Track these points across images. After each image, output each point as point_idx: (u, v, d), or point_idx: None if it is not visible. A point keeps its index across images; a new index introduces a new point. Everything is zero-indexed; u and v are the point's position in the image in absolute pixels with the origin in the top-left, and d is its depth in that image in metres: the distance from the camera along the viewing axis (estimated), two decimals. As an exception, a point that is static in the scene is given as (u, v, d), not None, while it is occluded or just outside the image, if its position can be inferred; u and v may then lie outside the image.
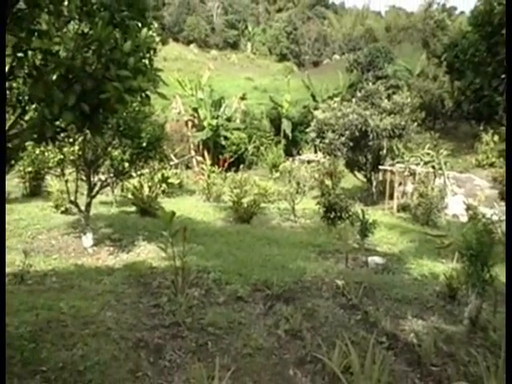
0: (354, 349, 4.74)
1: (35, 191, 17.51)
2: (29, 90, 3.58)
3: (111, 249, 9.65)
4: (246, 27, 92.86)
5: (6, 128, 3.98)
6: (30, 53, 3.51)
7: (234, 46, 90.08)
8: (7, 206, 13.62)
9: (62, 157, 8.95)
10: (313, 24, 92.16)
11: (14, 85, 3.88)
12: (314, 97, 35.53)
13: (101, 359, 4.50)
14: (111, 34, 3.48)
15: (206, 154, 28.15)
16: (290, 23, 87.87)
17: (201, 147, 29.02)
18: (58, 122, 3.73)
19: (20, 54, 3.42)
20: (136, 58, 3.59)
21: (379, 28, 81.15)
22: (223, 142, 29.66)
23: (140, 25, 3.82)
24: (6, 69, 3.55)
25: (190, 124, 29.08)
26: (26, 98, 3.78)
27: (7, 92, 3.89)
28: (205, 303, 6.54)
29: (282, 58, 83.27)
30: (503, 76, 12.37)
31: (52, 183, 13.38)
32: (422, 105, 30.67)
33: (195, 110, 30.29)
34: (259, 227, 13.77)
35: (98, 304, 5.97)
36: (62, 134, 4.26)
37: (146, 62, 3.84)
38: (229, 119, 31.02)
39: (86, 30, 3.63)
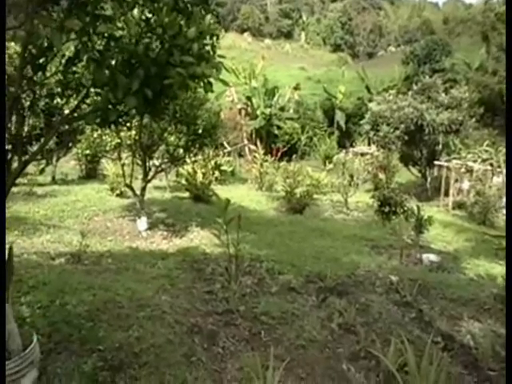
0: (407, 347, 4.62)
1: (91, 174, 18.03)
2: (92, 74, 3.60)
3: (165, 233, 9.78)
4: (301, 17, 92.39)
5: (69, 111, 4.06)
6: (94, 38, 3.52)
7: (288, 36, 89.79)
8: (65, 188, 14.07)
9: (119, 141, 9.10)
10: (368, 15, 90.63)
11: (76, 69, 3.92)
12: (368, 89, 34.99)
13: (156, 342, 4.55)
14: (175, 20, 3.47)
15: (258, 142, 28.17)
16: (344, 13, 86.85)
17: (254, 136, 29.05)
18: (120, 107, 3.75)
19: (84, 39, 3.43)
20: (200, 44, 3.57)
21: (436, 20, 78.96)
22: (276, 132, 29.60)
23: (203, 11, 3.78)
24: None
25: (243, 112, 29.14)
26: (90, 82, 3.81)
27: (70, 76, 3.95)
28: (258, 292, 6.52)
29: (336, 48, 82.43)
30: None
31: (108, 166, 13.68)
32: (481, 100, 29.63)
33: (249, 98, 30.33)
34: (312, 218, 13.68)
35: (153, 287, 6.05)
36: (124, 118, 4.29)
37: (209, 48, 3.80)
38: (282, 109, 30.90)
39: (149, 16, 3.62)
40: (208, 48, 3.71)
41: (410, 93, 22.57)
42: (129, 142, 9.12)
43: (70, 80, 3.94)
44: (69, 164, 19.92)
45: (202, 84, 3.87)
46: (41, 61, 3.60)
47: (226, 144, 24.21)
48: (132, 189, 9.84)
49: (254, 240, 9.58)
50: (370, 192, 13.57)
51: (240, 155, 27.56)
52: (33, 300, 4.99)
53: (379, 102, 22.67)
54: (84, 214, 10.68)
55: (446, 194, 19.56)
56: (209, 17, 3.67)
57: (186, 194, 13.84)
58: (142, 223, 9.76)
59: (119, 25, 3.51)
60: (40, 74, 3.76)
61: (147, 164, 9.81)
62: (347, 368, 4.72)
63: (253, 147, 26.04)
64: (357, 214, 15.21)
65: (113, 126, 8.57)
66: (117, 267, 7.02)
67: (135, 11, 3.57)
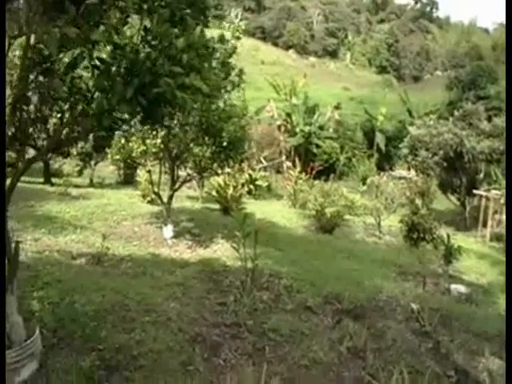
0: (417, 378, 4.50)
1: (128, 179, 18.35)
2: (94, 80, 3.71)
3: (189, 243, 9.84)
4: (346, 36, 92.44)
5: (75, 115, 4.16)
6: (99, 45, 3.64)
7: (333, 55, 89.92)
8: (100, 191, 14.36)
9: (144, 148, 9.24)
10: (415, 37, 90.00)
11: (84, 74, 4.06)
12: (410, 112, 34.62)
13: (155, 348, 4.58)
14: (168, 30, 3.54)
15: (297, 160, 28.19)
16: (391, 35, 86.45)
17: (292, 153, 29.08)
18: (115, 113, 3.84)
19: (83, 47, 3.55)
20: (190, 55, 3.62)
21: (485, 45, 77.53)
22: (315, 150, 29.56)
23: (200, 23, 3.86)
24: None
25: (282, 128, 29.25)
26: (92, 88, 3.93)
27: (76, 81, 4.07)
28: (272, 308, 6.46)
29: (382, 70, 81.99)
30: None
31: (141, 173, 13.91)
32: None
33: (288, 115, 30.45)
34: (341, 239, 13.55)
35: (165, 294, 6.10)
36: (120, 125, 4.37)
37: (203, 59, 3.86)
38: (321, 127, 30.89)
39: (148, 26, 3.73)
40: (198, 59, 3.77)
41: (450, 119, 22.22)
42: (154, 149, 9.24)
43: (72, 85, 4.05)
44: (108, 168, 20.37)
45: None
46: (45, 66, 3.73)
47: (262, 159, 24.31)
48: (159, 196, 9.97)
49: (277, 256, 9.51)
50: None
51: (278, 171, 27.59)
52: (44, 296, 5.11)
53: (419, 127, 22.44)
54: (113, 218, 10.86)
55: (485, 224, 19.07)
56: (199, 28, 3.72)
57: (217, 206, 13.91)
58: (168, 231, 9.84)
59: (118, 34, 3.61)
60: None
61: (175, 173, 9.92)
62: (350, 393, 4.61)
63: (289, 164, 26.06)
64: (389, 239, 14.97)
65: (139, 134, 8.80)
66: (134, 272, 7.11)
67: (136, 21, 3.67)
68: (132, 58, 3.62)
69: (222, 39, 4.70)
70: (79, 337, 4.49)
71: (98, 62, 3.69)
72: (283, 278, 7.78)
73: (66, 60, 3.96)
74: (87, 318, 4.85)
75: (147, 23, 3.78)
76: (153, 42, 3.70)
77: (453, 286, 9.58)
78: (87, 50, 3.67)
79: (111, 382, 3.95)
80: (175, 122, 9.04)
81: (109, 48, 3.76)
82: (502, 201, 19.00)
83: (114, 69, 3.66)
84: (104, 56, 3.72)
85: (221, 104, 9.46)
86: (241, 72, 10.22)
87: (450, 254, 10.49)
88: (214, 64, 9.29)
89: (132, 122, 4.48)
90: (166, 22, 3.65)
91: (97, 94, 3.91)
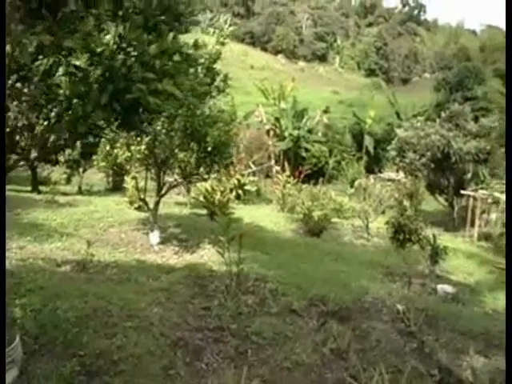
0: (400, 378, 4.54)
1: (117, 186, 18.36)
2: (70, 87, 3.74)
3: (176, 248, 9.86)
4: (335, 40, 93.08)
5: (52, 122, 4.20)
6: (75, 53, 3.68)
7: (322, 59, 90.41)
8: (87, 198, 14.36)
9: (129, 154, 9.28)
10: (403, 40, 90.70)
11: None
12: (398, 114, 34.86)
13: (136, 352, 4.60)
14: (141, 37, 3.59)
15: (286, 164, 28.27)
16: (380, 38, 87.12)
17: (281, 157, 29.16)
18: (91, 119, 3.87)
19: (57, 54, 3.60)
20: (163, 61, 3.67)
21: (473, 47, 78.14)
22: (304, 154, 29.67)
23: (174, 29, 3.92)
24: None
25: (271, 133, 29.33)
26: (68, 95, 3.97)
27: (54, 88, 4.11)
28: (256, 311, 6.48)
29: (371, 73, 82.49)
30: None
31: (128, 180, 13.93)
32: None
33: (277, 119, 30.58)
34: (329, 242, 13.58)
35: (148, 299, 6.11)
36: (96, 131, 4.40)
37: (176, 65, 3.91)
38: (310, 131, 31.04)
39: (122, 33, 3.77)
40: (172, 65, 3.82)
41: (438, 120, 22.40)
42: (139, 156, 9.27)
43: (50, 92, 4.08)
44: (97, 176, 20.35)
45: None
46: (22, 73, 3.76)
47: (251, 163, 24.37)
48: (146, 203, 10.00)
49: (264, 260, 9.54)
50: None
51: (267, 176, 27.64)
52: (27, 303, 5.13)
53: (406, 129, 22.61)
54: (100, 225, 10.87)
55: (473, 224, 19.23)
56: (171, 34, 3.77)
57: (205, 212, 13.93)
58: (155, 237, 9.86)
59: (96, 41, 3.65)
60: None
61: (161, 179, 9.95)
62: (331, 393, 4.65)
63: (277, 168, 26.14)
64: (377, 240, 15.02)
65: (123, 140, 8.82)
66: (119, 278, 7.13)
67: (112, 28, 3.71)
68: (108, 65, 3.67)
69: (196, 45, 4.75)
70: (61, 343, 4.50)
71: (73, 70, 3.73)
72: (269, 281, 7.79)
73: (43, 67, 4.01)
74: (69, 324, 4.86)
75: (122, 30, 3.82)
76: (127, 49, 3.75)
77: (439, 286, 9.63)
78: (63, 57, 3.71)
79: (91, 388, 3.96)
80: (159, 127, 9.09)
81: (86, 55, 3.80)
82: (490, 200, 19.19)
83: (91, 75, 3.71)
84: (81, 63, 3.75)
85: (206, 109, 9.52)
86: (226, 77, 10.25)
87: (436, 254, 10.58)
88: (198, 70, 9.35)
89: (108, 129, 4.50)
90: (139, 29, 3.70)
91: (74, 100, 3.95)
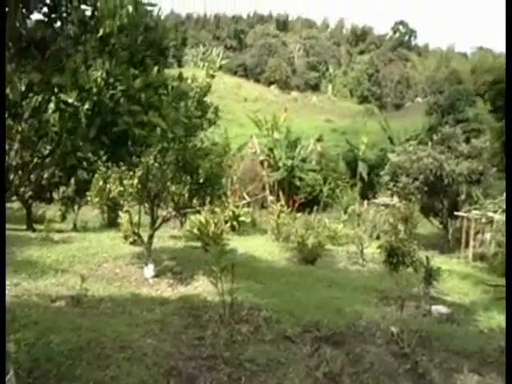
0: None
1: (112, 222, 18.42)
2: (59, 123, 3.92)
3: (171, 281, 9.94)
4: (327, 69, 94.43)
5: (44, 158, 4.36)
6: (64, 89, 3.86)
7: (315, 88, 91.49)
8: (82, 235, 14.45)
9: (121, 189, 9.44)
10: (395, 66, 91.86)
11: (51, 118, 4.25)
12: (391, 139, 35.22)
13: (129, 382, 4.68)
14: (126, 71, 3.78)
15: (280, 194, 28.46)
16: (371, 65, 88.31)
17: (276, 187, 29.37)
18: (80, 153, 4.03)
19: (48, 91, 3.79)
20: (148, 93, 3.85)
21: (464, 70, 79.16)
22: (298, 183, 29.90)
23: (159, 63, 4.11)
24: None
25: (265, 164, 29.59)
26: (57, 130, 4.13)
27: (43, 124, 4.28)
28: (250, 339, 6.54)
29: (363, 100, 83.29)
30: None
31: (122, 215, 14.05)
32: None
33: (271, 150, 30.91)
34: (323, 269, 13.62)
35: (142, 331, 6.19)
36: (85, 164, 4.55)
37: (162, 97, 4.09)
38: (304, 160, 31.33)
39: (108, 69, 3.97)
40: (157, 97, 3.99)
41: (430, 143, 22.66)
42: (131, 189, 9.43)
43: (40, 128, 4.25)
44: (92, 212, 20.47)
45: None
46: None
47: (245, 195, 24.54)
48: (140, 236, 10.11)
49: (258, 289, 9.60)
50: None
51: (262, 206, 27.77)
52: (21, 337, 5.21)
53: (399, 153, 22.81)
54: (94, 260, 10.96)
55: (467, 245, 19.31)
56: (156, 68, 3.96)
57: (199, 244, 14.00)
58: (149, 270, 9.95)
59: (84, 77, 3.83)
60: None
61: (154, 213, 10.08)
62: (324, 416, 4.71)
63: (271, 198, 26.32)
64: (372, 266, 15.06)
65: (115, 175, 8.99)
66: (113, 311, 7.21)
67: (99, 64, 3.90)
68: (96, 100, 3.86)
69: (180, 77, 4.97)
70: (54, 376, 4.58)
71: (63, 106, 3.91)
72: (263, 309, 7.85)
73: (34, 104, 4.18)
74: (63, 356, 4.94)
75: (109, 66, 4.02)
76: (114, 84, 3.93)
77: (434, 308, 9.69)
78: (52, 94, 3.90)
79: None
80: (152, 161, 9.28)
81: (75, 91, 3.98)
82: (483, 220, 19.30)
83: (80, 110, 3.89)
84: (71, 99, 3.93)
85: (198, 142, 9.73)
86: (217, 110, 10.47)
87: (430, 276, 10.64)
88: (189, 103, 9.60)
89: (98, 163, 4.67)
90: (124, 64, 3.90)
91: (64, 135, 4.12)
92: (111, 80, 3.96)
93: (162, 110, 3.99)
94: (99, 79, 3.96)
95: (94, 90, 3.92)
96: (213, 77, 10.50)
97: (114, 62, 3.93)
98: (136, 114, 3.79)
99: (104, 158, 4.36)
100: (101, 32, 4.01)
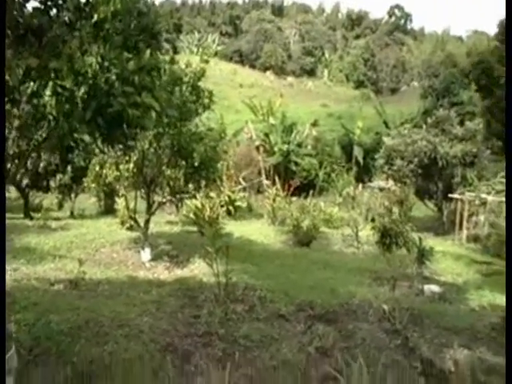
0: (383, 371, 4.78)
1: (109, 209, 18.54)
2: (56, 107, 4.05)
3: (167, 264, 10.10)
4: (323, 54, 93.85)
5: (41, 140, 4.50)
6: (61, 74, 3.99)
7: (311, 73, 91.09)
8: (79, 222, 14.58)
9: (118, 174, 9.55)
10: (391, 50, 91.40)
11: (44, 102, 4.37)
12: (386, 124, 35.25)
13: (127, 357, 4.86)
14: (120, 55, 3.92)
15: (276, 178, 28.53)
16: (367, 50, 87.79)
17: (271, 172, 29.46)
18: (76, 134, 4.17)
19: (51, 75, 3.92)
20: (141, 76, 3.99)
21: (460, 53, 78.84)
22: (294, 168, 30.00)
23: (152, 47, 4.24)
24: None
25: (261, 149, 29.64)
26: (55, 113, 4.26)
27: (42, 108, 4.40)
28: (245, 318, 6.71)
29: (359, 84, 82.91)
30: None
31: (119, 201, 14.17)
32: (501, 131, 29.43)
33: (266, 135, 30.95)
34: (318, 251, 13.79)
35: (139, 310, 6.36)
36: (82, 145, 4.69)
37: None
38: (300, 145, 31.39)
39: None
40: (150, 79, 4.13)
41: (424, 126, 22.71)
42: (127, 174, 9.53)
43: (37, 112, 4.37)
44: (89, 200, 20.56)
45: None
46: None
47: (241, 179, 24.65)
48: (136, 221, 10.24)
49: (253, 271, 9.77)
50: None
51: (258, 191, 27.87)
52: (21, 318, 5.37)
53: (393, 137, 22.87)
54: (92, 246, 11.11)
55: (462, 227, 19.48)
56: (148, 51, 4.09)
57: (195, 228, 14.15)
58: (146, 254, 10.10)
59: (80, 62, 3.96)
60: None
61: (150, 197, 10.20)
62: (314, 388, 4.88)
63: (266, 182, 26.43)
64: (367, 248, 15.22)
65: (111, 160, 9.10)
66: (111, 293, 7.37)
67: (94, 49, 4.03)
68: (91, 84, 3.99)
69: (172, 61, 5.10)
70: (54, 353, 4.75)
71: (60, 90, 4.03)
72: (257, 290, 8.03)
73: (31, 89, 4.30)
74: (62, 335, 5.11)
75: (103, 50, 4.15)
76: (109, 67, 4.06)
77: (426, 287, 9.84)
78: (49, 78, 4.02)
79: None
80: (147, 146, 9.39)
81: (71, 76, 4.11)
82: (477, 202, 19.45)
83: (76, 94, 4.02)
84: (68, 83, 4.06)
85: (192, 126, 9.84)
86: (211, 94, 10.54)
87: (423, 256, 10.82)
88: (183, 87, 9.70)
89: (94, 144, 4.80)
90: (118, 48, 4.03)
91: (60, 118, 4.25)
92: (106, 64, 4.09)
93: (154, 92, 4.12)
94: (94, 63, 4.09)
95: (90, 73, 4.05)
96: (207, 62, 10.60)
97: (109, 46, 4.05)
98: (130, 95, 3.92)
99: (100, 140, 4.49)
100: (95, 18, 4.14)
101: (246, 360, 5.27)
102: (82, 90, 4.03)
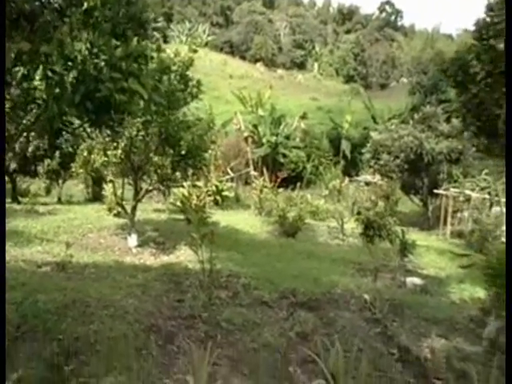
0: (360, 356, 4.95)
1: (96, 196, 18.57)
2: (46, 90, 4.16)
3: (153, 250, 10.20)
4: (314, 48, 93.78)
5: (32, 121, 4.60)
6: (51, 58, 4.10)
7: (301, 66, 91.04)
8: (67, 207, 14.61)
9: (106, 159, 9.61)
10: (381, 46, 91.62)
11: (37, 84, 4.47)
12: (374, 118, 35.48)
13: (111, 335, 5.00)
14: (108, 42, 4.04)
15: (264, 170, 28.69)
16: (357, 44, 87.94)
17: (259, 163, 29.60)
18: (65, 117, 4.29)
19: (42, 59, 4.02)
20: (128, 62, 4.12)
21: (450, 51, 79.27)
22: (282, 160, 30.14)
23: (140, 35, 4.37)
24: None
25: (249, 140, 29.72)
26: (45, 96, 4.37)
27: (32, 91, 4.51)
28: (228, 303, 6.86)
29: (349, 79, 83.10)
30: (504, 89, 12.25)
31: (107, 187, 14.21)
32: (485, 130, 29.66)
33: (255, 126, 31.04)
34: (304, 242, 13.94)
35: (124, 293, 6.48)
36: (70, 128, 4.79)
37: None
38: (288, 137, 31.51)
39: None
40: (137, 66, 4.26)
41: (411, 122, 22.93)
42: (115, 160, 9.58)
43: (27, 95, 4.47)
44: (77, 187, 20.56)
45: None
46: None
47: (229, 170, 24.76)
48: (123, 207, 10.32)
49: (238, 259, 9.91)
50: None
51: (247, 182, 27.98)
52: (9, 297, 5.43)
53: (380, 132, 23.07)
54: (79, 231, 11.17)
55: (446, 222, 19.74)
56: (135, 39, 4.21)
57: (182, 216, 14.23)
58: (133, 240, 10.19)
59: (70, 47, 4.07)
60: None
61: (138, 184, 10.28)
62: (294, 370, 5.04)
63: (253, 173, 26.56)
64: (352, 240, 15.39)
65: (99, 146, 9.17)
66: (97, 276, 7.48)
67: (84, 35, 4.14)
68: (80, 69, 4.11)
69: (159, 48, 5.23)
70: (41, 330, 4.88)
71: (50, 74, 4.14)
72: (242, 277, 8.19)
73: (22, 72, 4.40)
74: (49, 313, 5.24)
75: (92, 37, 4.26)
76: (98, 54, 4.18)
77: (408, 279, 10.01)
78: (40, 62, 4.13)
79: (70, 365, 4.33)
80: (135, 133, 9.46)
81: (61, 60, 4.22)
82: (461, 198, 19.74)
83: (66, 79, 4.14)
84: (58, 67, 4.17)
85: (180, 115, 9.93)
86: (199, 83, 10.60)
87: (405, 249, 11.01)
88: (172, 76, 9.79)
89: (81, 128, 4.90)
90: (106, 35, 4.15)
91: (50, 102, 4.35)
92: (95, 50, 4.20)
93: (141, 79, 4.24)
94: (84, 49, 4.20)
95: (79, 59, 4.16)
96: (195, 51, 10.61)
97: (98, 33, 4.16)
98: (117, 80, 4.04)
99: (88, 124, 4.60)
100: (85, 5, 4.25)
101: (227, 342, 5.41)
102: (72, 74, 4.14)
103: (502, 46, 12.44)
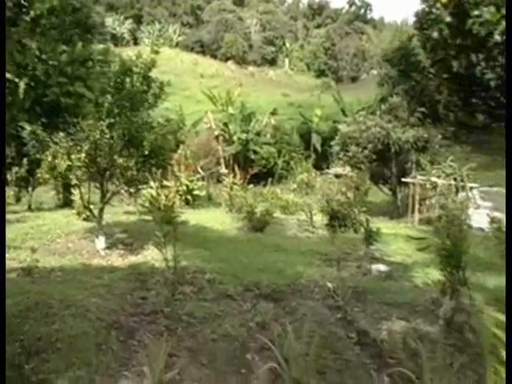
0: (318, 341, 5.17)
1: (67, 202, 18.51)
2: None
3: (122, 252, 10.29)
4: (284, 44, 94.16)
5: None
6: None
7: (272, 63, 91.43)
8: (36, 214, 14.60)
9: (69, 163, 9.66)
10: (351, 39, 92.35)
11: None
12: (343, 111, 35.89)
13: (72, 333, 5.16)
14: (55, 48, 4.21)
15: (235, 167, 28.84)
16: (327, 39, 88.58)
17: (231, 161, 29.76)
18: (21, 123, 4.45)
19: None
20: (74, 67, 4.30)
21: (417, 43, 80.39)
22: (253, 156, 30.38)
23: (86, 40, 4.55)
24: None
25: (220, 138, 29.90)
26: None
27: None
28: (192, 298, 7.02)
29: (320, 73, 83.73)
30: (444, 76, 12.77)
31: (75, 192, 14.21)
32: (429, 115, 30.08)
33: (226, 124, 31.23)
34: (272, 236, 14.06)
35: (88, 293, 6.61)
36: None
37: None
38: (258, 134, 31.79)
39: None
40: (85, 70, 4.45)
41: (378, 113, 23.32)
42: (79, 164, 9.64)
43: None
44: (48, 194, 20.48)
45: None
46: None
47: (199, 169, 24.89)
48: (90, 210, 10.40)
49: (205, 255, 10.05)
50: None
51: (218, 181, 28.10)
52: (-29, 303, 5.54)
53: (349, 124, 23.43)
54: (47, 237, 11.19)
55: (415, 210, 20.15)
56: (80, 44, 4.39)
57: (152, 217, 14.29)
58: (100, 243, 10.28)
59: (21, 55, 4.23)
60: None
61: (104, 186, 10.35)
62: (252, 357, 5.25)
63: (223, 171, 26.72)
64: (321, 232, 15.52)
65: (62, 150, 9.22)
66: (62, 279, 7.59)
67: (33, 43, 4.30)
68: (31, 75, 4.27)
69: (105, 52, 5.38)
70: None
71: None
72: (207, 273, 8.34)
73: None
74: (12, 316, 5.36)
75: (41, 44, 4.42)
76: (46, 60, 4.35)
77: (374, 266, 10.22)
78: None
79: (30, 364, 4.50)
80: (98, 136, 9.55)
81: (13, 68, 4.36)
82: (428, 186, 20.14)
83: (19, 85, 4.30)
84: (10, 75, 4.30)
85: (144, 115, 10.06)
86: (162, 84, 10.71)
87: (370, 237, 11.27)
88: (134, 78, 9.92)
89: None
90: (54, 41, 4.32)
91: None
92: (43, 56, 4.35)
93: (88, 82, 4.40)
94: (33, 56, 4.35)
95: (30, 66, 4.31)
96: (157, 53, 10.73)
97: (45, 40, 4.32)
98: (63, 85, 4.21)
99: (40, 129, 4.74)
100: (32, 14, 4.38)
101: (187, 334, 5.60)
102: (23, 81, 4.30)
103: (435, 34, 12.87)
